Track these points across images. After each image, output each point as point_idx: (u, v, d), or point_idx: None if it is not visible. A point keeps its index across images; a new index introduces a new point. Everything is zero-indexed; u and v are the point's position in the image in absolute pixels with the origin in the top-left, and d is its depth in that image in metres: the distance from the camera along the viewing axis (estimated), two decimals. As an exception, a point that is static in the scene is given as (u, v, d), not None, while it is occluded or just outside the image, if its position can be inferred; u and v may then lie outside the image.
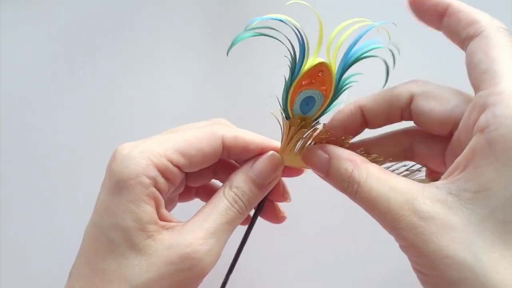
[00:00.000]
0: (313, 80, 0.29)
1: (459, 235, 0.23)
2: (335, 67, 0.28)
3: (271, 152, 0.33)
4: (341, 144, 0.31)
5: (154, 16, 0.46)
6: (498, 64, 0.25)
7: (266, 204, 0.35)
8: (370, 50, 0.28)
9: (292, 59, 0.27)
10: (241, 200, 0.31)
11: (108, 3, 0.46)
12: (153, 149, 0.30)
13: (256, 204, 0.33)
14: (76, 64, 0.46)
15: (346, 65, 0.29)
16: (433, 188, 0.26)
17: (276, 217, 0.37)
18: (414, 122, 0.31)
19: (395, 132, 0.33)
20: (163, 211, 0.31)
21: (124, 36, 0.46)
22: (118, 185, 0.29)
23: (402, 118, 0.31)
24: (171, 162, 0.30)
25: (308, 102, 0.30)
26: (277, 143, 0.33)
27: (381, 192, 0.26)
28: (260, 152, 0.33)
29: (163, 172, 0.30)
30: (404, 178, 0.28)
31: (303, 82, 0.28)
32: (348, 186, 0.28)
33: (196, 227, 0.30)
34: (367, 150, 0.31)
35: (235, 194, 0.31)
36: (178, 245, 0.29)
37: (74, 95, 0.46)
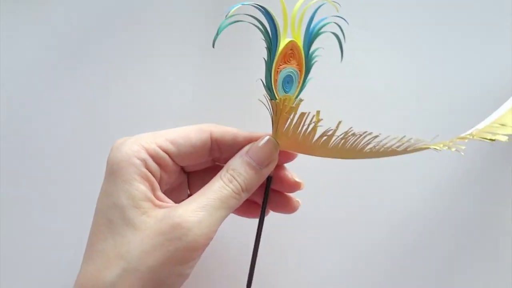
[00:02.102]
0: (288, 59, 0.32)
1: None
2: (301, 43, 0.32)
3: (267, 136, 0.34)
4: None
5: (154, 16, 0.47)
6: None
7: (275, 196, 0.36)
8: (322, 26, 0.33)
9: (268, 41, 0.30)
10: (236, 180, 0.32)
11: (107, 3, 0.47)
12: (144, 137, 0.33)
13: (254, 188, 0.34)
14: (76, 64, 0.46)
15: (309, 41, 0.33)
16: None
17: (289, 205, 0.37)
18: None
19: None
20: (160, 194, 0.32)
21: (124, 35, 0.46)
22: (112, 168, 0.31)
23: None
24: (161, 148, 0.33)
25: (288, 81, 0.32)
26: (267, 134, 0.35)
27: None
28: (250, 142, 0.34)
29: (154, 156, 0.32)
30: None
31: (281, 62, 0.31)
32: None
33: (188, 202, 0.31)
34: None
35: (231, 175, 0.33)
36: (169, 216, 0.30)
37: (73, 94, 0.46)
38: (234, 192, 0.32)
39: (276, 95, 0.32)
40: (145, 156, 0.32)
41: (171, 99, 0.46)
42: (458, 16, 0.47)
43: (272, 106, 0.33)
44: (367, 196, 0.45)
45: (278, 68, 0.32)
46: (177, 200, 0.34)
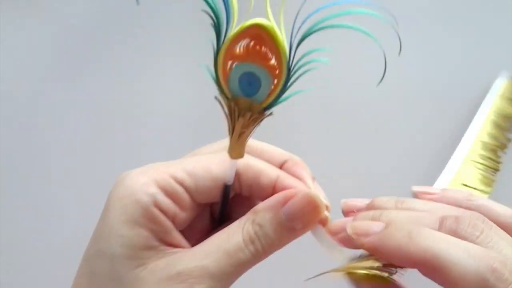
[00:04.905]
0: (250, 49, 0.20)
1: None
2: (283, 34, 0.20)
3: (309, 191, 0.26)
4: None
5: (154, 16, 0.46)
6: None
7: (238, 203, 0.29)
8: (344, 14, 0.18)
9: (214, 20, 0.20)
10: (260, 241, 0.25)
11: (108, 3, 0.47)
12: (155, 166, 0.26)
13: (277, 250, 0.26)
14: (76, 64, 0.47)
15: (303, 34, 0.20)
16: None
17: None
18: None
19: None
20: (174, 235, 0.26)
21: (125, 35, 0.46)
22: (110, 205, 0.25)
23: None
24: (175, 180, 0.25)
25: (250, 81, 0.21)
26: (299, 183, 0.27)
27: None
28: (271, 192, 0.26)
29: (166, 190, 0.25)
30: None
31: (237, 51, 0.21)
32: None
33: (195, 260, 0.25)
34: None
35: (255, 233, 0.25)
36: (168, 278, 0.24)
37: (73, 94, 0.47)
38: (253, 256, 0.25)
39: (226, 92, 0.22)
40: (155, 190, 0.25)
41: (172, 99, 0.43)
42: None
43: (226, 107, 0.23)
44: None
45: (231, 60, 0.21)
46: (201, 232, 0.28)
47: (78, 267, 0.26)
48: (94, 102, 0.49)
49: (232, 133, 0.24)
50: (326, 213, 0.26)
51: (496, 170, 0.43)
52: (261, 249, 0.25)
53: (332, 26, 0.19)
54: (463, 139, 0.44)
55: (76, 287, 0.25)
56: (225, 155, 0.25)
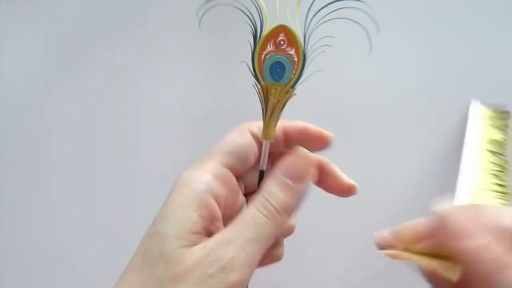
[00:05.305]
0: (277, 45, 0.30)
1: None
2: (298, 30, 0.29)
3: (296, 147, 0.32)
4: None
5: (154, 16, 0.46)
6: None
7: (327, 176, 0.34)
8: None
9: (253, 26, 0.30)
10: (270, 203, 0.29)
11: (109, 3, 0.47)
12: (207, 160, 0.32)
13: (293, 208, 0.31)
14: (76, 64, 0.47)
15: (308, 26, 0.29)
16: None
17: (342, 188, 0.34)
18: None
19: None
20: (219, 225, 0.30)
21: (125, 35, 0.46)
22: (170, 194, 0.29)
23: None
24: (223, 164, 0.31)
25: (278, 68, 0.31)
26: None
27: None
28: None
29: (218, 176, 0.30)
30: None
31: (268, 47, 0.30)
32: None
33: (220, 236, 0.29)
34: None
35: (265, 198, 0.30)
36: (204, 255, 0.28)
37: (73, 94, 0.47)
38: (268, 218, 0.29)
39: (261, 79, 0.31)
40: (209, 177, 0.30)
41: (175, 99, 0.44)
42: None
43: (260, 92, 0.32)
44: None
45: (264, 52, 0.30)
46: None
47: (136, 249, 0.29)
48: (94, 101, 0.48)
49: (265, 115, 0.32)
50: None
51: (506, 194, 0.43)
52: (274, 208, 0.29)
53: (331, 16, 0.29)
54: (461, 166, 0.44)
55: (131, 263, 0.29)
56: (240, 126, 0.33)
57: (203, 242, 0.28)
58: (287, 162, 0.31)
